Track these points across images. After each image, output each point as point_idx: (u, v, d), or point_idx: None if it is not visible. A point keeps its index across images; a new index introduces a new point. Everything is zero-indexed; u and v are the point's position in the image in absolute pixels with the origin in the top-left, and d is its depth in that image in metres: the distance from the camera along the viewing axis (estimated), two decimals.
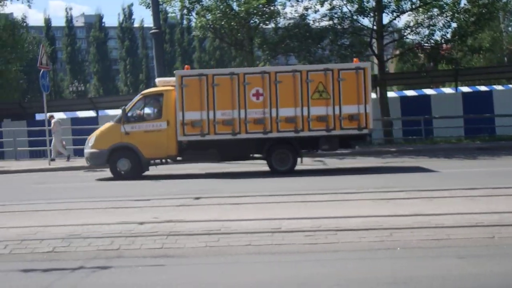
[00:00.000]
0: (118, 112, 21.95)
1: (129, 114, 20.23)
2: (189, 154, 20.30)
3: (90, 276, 7.77)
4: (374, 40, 32.49)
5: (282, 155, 20.07)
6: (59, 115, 34.18)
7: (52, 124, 27.29)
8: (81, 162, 23.00)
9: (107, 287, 7.32)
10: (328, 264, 8.02)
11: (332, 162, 23.52)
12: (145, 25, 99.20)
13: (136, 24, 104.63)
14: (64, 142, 27.66)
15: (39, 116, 36.58)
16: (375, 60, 33.95)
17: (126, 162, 20.03)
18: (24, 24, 53.57)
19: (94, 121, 32.92)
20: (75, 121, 35.47)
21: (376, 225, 9.74)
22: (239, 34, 32.56)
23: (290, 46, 32.09)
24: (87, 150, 20.51)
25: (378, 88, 34.03)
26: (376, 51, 32.78)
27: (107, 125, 20.76)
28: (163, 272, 7.87)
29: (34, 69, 60.52)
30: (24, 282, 7.64)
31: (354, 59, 21.59)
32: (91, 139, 20.50)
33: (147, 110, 20.77)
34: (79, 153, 27.21)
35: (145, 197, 14.30)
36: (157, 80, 21.89)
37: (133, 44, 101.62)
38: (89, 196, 15.49)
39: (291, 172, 19.77)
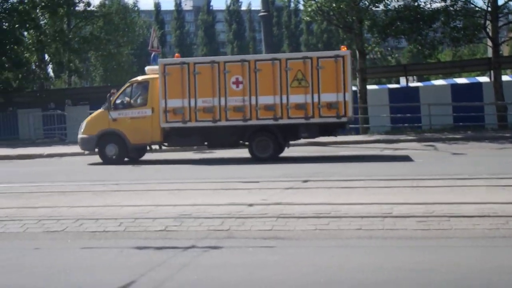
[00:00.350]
0: None
1: (118, 101, 20.86)
2: (174, 140, 20.94)
3: (202, 255, 7.87)
4: (488, 22, 31.36)
5: (262, 142, 20.05)
6: None
7: None
8: None
9: (219, 266, 7.38)
10: (442, 250, 7.82)
11: (443, 147, 22.98)
12: (253, 8, 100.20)
13: (243, 7, 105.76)
14: None
15: None
16: (489, 43, 32.84)
17: (113, 148, 20.72)
18: (135, 8, 54.96)
19: None
20: None
21: (491, 212, 9.43)
22: (348, 16, 32.21)
23: (401, 28, 31.43)
24: (79, 136, 21.36)
25: (491, 72, 32.96)
26: (490, 34, 31.66)
27: (97, 111, 21.51)
28: (273, 254, 7.88)
29: (144, 52, 62.16)
30: (139, 259, 7.81)
31: (342, 46, 21.19)
32: (83, 124, 21.32)
33: (134, 98, 21.23)
34: None
35: (254, 179, 14.40)
36: (147, 68, 22.41)
37: (241, 27, 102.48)
38: (197, 177, 15.77)
39: (273, 159, 19.62)
